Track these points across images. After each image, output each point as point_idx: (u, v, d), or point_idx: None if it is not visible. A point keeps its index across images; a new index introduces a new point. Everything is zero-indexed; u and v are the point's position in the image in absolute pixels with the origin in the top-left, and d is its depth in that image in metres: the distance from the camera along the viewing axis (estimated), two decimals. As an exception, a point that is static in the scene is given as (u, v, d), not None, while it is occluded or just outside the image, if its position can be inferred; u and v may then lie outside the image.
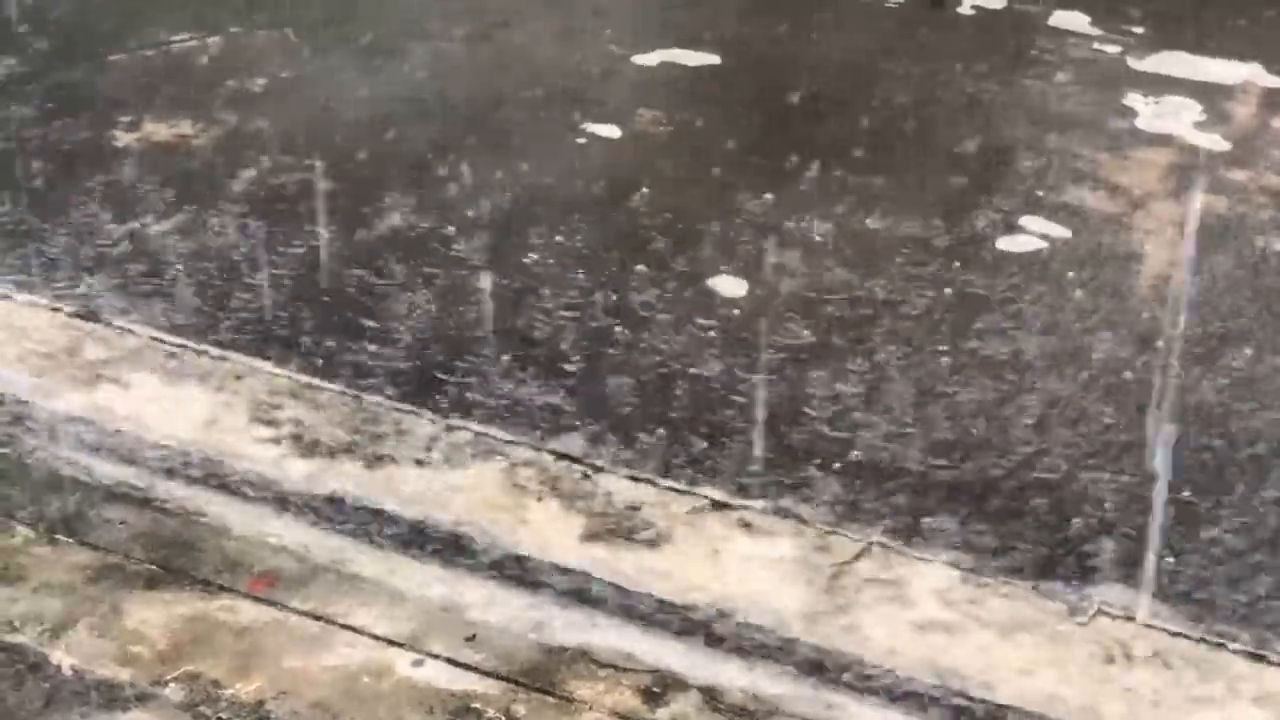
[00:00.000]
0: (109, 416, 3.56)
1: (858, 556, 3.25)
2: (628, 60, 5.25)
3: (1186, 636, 3.09)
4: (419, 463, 3.47)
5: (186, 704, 2.85)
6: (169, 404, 3.61)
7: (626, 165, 4.65)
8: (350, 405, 3.64)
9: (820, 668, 3.00)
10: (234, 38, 5.33)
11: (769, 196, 4.51)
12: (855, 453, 3.54)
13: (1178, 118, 5.00)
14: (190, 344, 3.81)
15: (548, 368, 3.78)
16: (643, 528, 3.31)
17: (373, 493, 3.38)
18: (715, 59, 5.28)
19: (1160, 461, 3.55)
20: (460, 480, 3.42)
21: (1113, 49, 5.41)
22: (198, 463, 3.44)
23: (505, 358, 3.81)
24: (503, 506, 3.35)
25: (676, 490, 3.41)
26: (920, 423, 3.64)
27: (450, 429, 3.57)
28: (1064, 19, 5.59)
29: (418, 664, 2.96)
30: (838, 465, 3.49)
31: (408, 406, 3.63)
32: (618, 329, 3.93)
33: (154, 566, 3.15)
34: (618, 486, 3.42)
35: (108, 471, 3.41)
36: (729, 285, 4.12)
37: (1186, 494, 3.45)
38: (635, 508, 3.36)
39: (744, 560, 3.24)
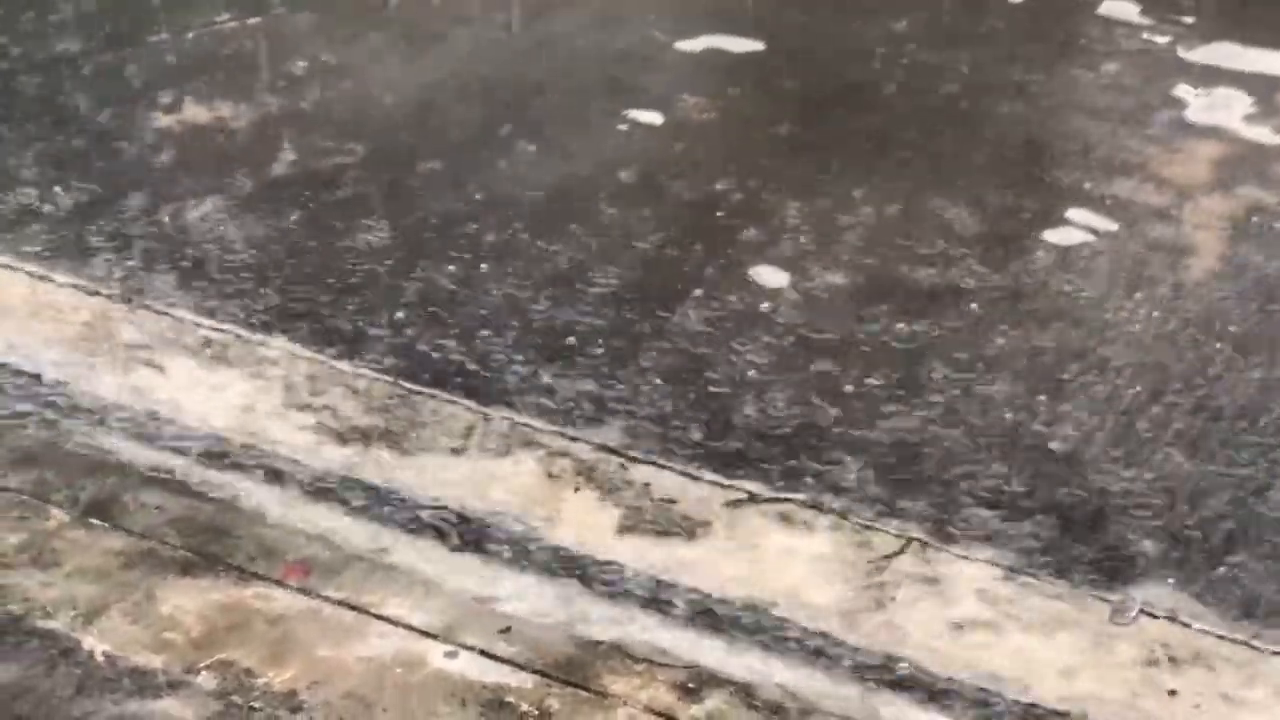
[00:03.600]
0: (145, 400, 3.55)
1: (897, 552, 3.21)
2: (671, 46, 5.21)
3: (1230, 639, 3.05)
4: (455, 451, 3.45)
5: (219, 692, 2.84)
6: (205, 388, 3.60)
7: (670, 152, 4.61)
8: (387, 391, 3.62)
9: (858, 665, 2.96)
10: (276, 19, 5.31)
11: (813, 185, 4.46)
12: (897, 447, 3.50)
13: (1228, 110, 4.93)
14: (227, 328, 3.80)
15: (587, 357, 3.75)
16: (680, 520, 3.28)
17: (408, 481, 3.36)
18: (759, 45, 5.24)
19: (1206, 460, 3.49)
20: (496, 470, 3.40)
21: (1162, 39, 5.34)
22: (233, 448, 3.43)
23: (544, 346, 3.78)
24: (539, 497, 3.33)
25: (715, 483, 3.38)
26: (963, 417, 3.59)
27: (487, 418, 3.54)
28: (1113, 8, 5.53)
29: (451, 656, 2.93)
30: (879, 460, 3.45)
31: (445, 394, 3.61)
32: (659, 318, 3.90)
33: (188, 553, 3.14)
34: (655, 478, 3.39)
35: (143, 456, 3.40)
36: (772, 275, 4.08)
37: (1233, 493, 3.40)
38: (672, 500, 3.33)
39: (782, 554, 3.21)
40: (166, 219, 4.22)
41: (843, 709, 2.88)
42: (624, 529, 3.25)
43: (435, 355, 3.74)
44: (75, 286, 3.93)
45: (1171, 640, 3.05)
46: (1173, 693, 2.94)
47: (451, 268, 4.06)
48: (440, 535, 3.22)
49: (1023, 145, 4.71)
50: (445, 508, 3.29)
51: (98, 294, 3.90)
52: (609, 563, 3.17)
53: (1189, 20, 5.44)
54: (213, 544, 3.17)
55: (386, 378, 3.66)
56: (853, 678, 2.94)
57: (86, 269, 3.99)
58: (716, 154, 4.60)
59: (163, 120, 4.69)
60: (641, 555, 3.19)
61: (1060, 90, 5.02)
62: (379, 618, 3.01)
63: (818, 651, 2.99)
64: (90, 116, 4.70)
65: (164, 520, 3.22)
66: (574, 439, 3.49)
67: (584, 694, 2.86)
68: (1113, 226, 4.33)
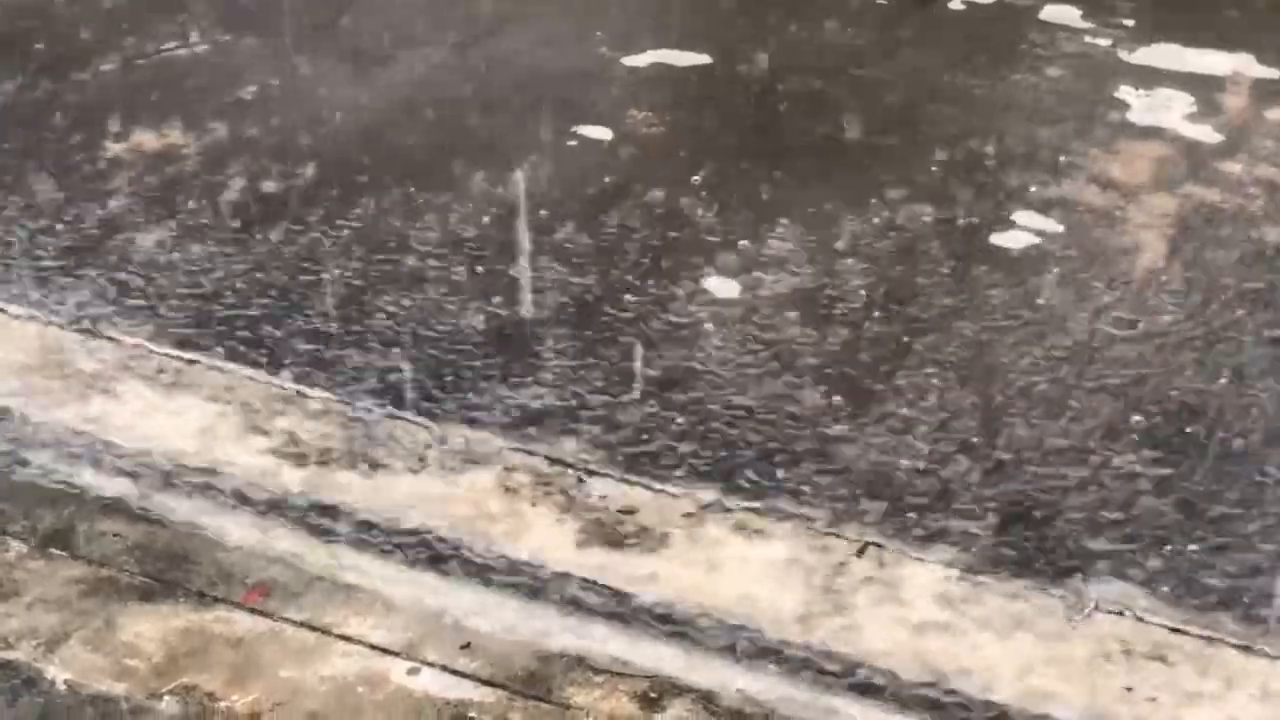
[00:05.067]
0: (102, 428, 3.56)
1: (854, 557, 3.24)
2: (618, 62, 5.24)
3: (1184, 632, 3.09)
4: (413, 470, 3.46)
5: (182, 717, 2.84)
6: (162, 415, 3.61)
7: (619, 166, 4.64)
8: (344, 413, 3.63)
9: (817, 670, 2.99)
10: (223, 46, 5.32)
11: (762, 195, 4.50)
12: (851, 454, 3.53)
13: (1169, 110, 4.99)
14: (183, 354, 3.80)
15: (541, 371, 3.77)
16: (638, 531, 3.30)
17: (367, 501, 3.37)
18: (705, 59, 5.28)
19: (1155, 456, 3.54)
20: (454, 486, 3.42)
21: (1103, 42, 5.40)
22: (191, 473, 3.43)
23: (498, 362, 3.80)
24: (497, 512, 3.35)
25: (671, 493, 3.40)
26: (916, 421, 3.63)
27: (444, 436, 3.56)
28: (1054, 12, 5.59)
29: (413, 673, 2.95)
30: (833, 465, 3.48)
31: (401, 414, 3.63)
32: (613, 331, 3.92)
33: (148, 579, 3.14)
34: (612, 490, 3.41)
35: (101, 484, 3.40)
36: (725, 285, 4.11)
37: (1182, 488, 3.44)
38: (630, 511, 3.35)
39: (740, 562, 3.24)
40: (119, 246, 4.22)
41: (803, 714, 2.90)
42: (582, 541, 3.27)
43: (391, 375, 3.75)
44: (29, 316, 3.93)
45: (1126, 635, 3.08)
46: (1129, 688, 2.97)
47: (406, 288, 4.08)
48: (400, 553, 3.23)
49: (969, 150, 4.76)
50: (404, 526, 3.30)
51: (51, 323, 3.90)
52: (568, 575, 3.19)
53: (1129, 23, 5.50)
54: (172, 570, 3.17)
55: (344, 399, 3.67)
56: (812, 682, 2.97)
57: (39, 298, 3.99)
58: (665, 167, 4.63)
59: (112, 148, 4.69)
60: (601, 567, 3.21)
61: (1005, 95, 5.07)
62: (341, 637, 3.02)
63: (777, 657, 3.01)
64: (39, 145, 4.70)
65: (123, 548, 3.23)
66: (531, 453, 3.51)
67: (546, 706, 2.88)
68: (1059, 228, 4.37)
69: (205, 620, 3.05)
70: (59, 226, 4.30)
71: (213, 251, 4.21)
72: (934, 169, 4.66)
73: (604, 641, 3.03)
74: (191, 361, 3.78)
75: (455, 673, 2.95)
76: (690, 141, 4.80)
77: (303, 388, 3.70)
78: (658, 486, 3.42)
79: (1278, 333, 3.96)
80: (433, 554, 3.24)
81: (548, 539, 3.28)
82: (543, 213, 4.40)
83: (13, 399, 3.64)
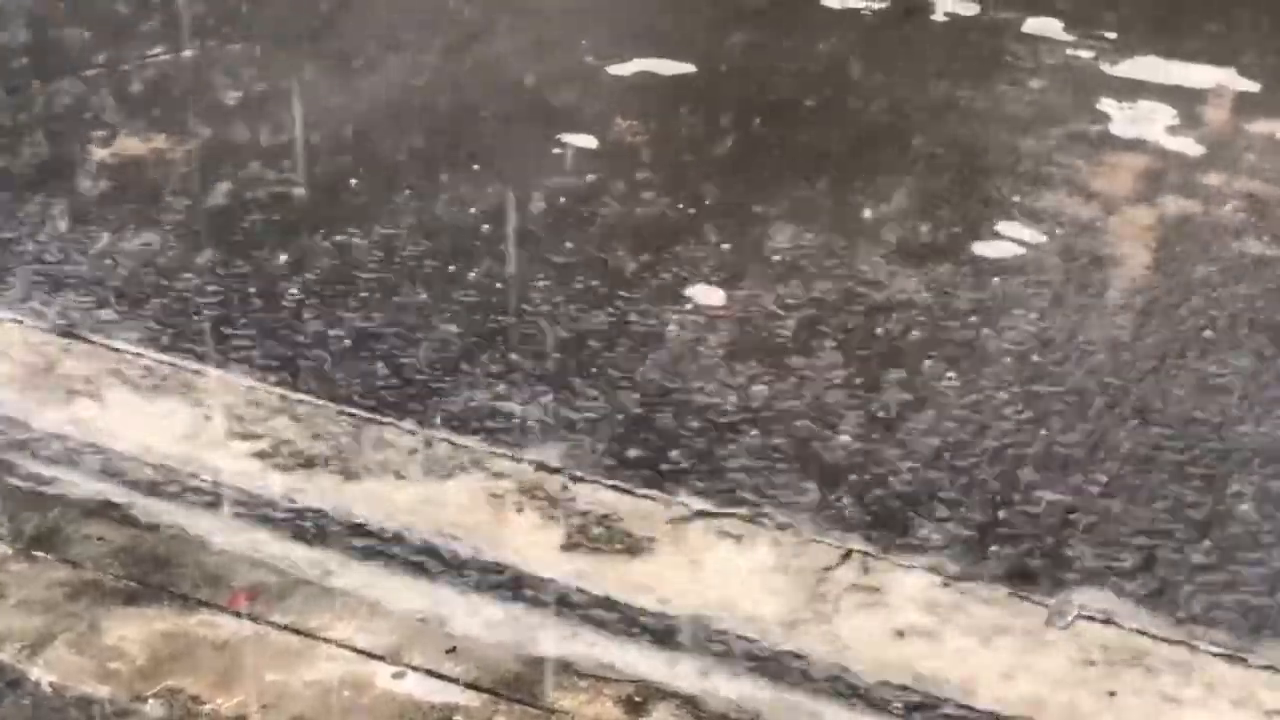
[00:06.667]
0: (87, 431, 3.55)
1: (837, 564, 3.25)
2: (603, 70, 5.26)
3: (1166, 640, 3.10)
4: (399, 475, 3.47)
5: (167, 720, 2.85)
6: (147, 418, 3.60)
7: (604, 174, 4.65)
8: (329, 417, 3.63)
9: (802, 675, 3.00)
10: (209, 51, 5.32)
11: (746, 203, 4.51)
12: (835, 461, 3.54)
13: (1151, 122, 5.02)
14: (168, 358, 3.80)
15: (526, 379, 3.78)
16: (623, 537, 3.31)
17: (353, 505, 3.37)
18: (691, 68, 5.29)
19: (1138, 465, 3.55)
20: (440, 492, 3.42)
21: (1086, 54, 5.43)
22: (176, 477, 3.43)
23: (483, 369, 3.81)
24: (483, 518, 3.35)
25: (657, 499, 3.41)
26: (899, 430, 3.64)
27: (430, 441, 3.56)
28: (1037, 25, 5.62)
29: (398, 676, 2.95)
30: (817, 474, 3.49)
31: (387, 419, 3.63)
32: (597, 338, 3.93)
33: (133, 582, 3.14)
34: (597, 496, 3.42)
35: (86, 487, 3.40)
36: (709, 294, 4.12)
37: (1163, 499, 3.46)
38: (615, 517, 3.36)
39: (725, 568, 3.24)
40: (104, 250, 4.22)
41: (787, 718, 2.91)
42: (568, 547, 3.28)
43: (376, 381, 3.76)
44: (12, 320, 3.93)
45: (1109, 642, 3.10)
46: (1112, 694, 2.99)
47: (390, 294, 4.08)
48: (385, 557, 3.24)
49: (952, 161, 4.78)
50: (390, 530, 3.30)
51: (35, 327, 3.90)
52: (554, 580, 3.19)
53: (1111, 36, 5.54)
54: (157, 573, 3.17)
55: (329, 404, 3.67)
56: (797, 687, 2.97)
57: (23, 302, 3.99)
58: (649, 175, 4.65)
59: (98, 153, 4.69)
60: (586, 572, 3.22)
61: (988, 106, 5.10)
62: (326, 641, 3.02)
63: (762, 662, 3.02)
64: (24, 150, 4.70)
65: (107, 551, 3.22)
66: (516, 460, 3.51)
67: (532, 711, 2.88)
68: (1042, 238, 4.40)
69: (190, 623, 3.05)
70: (44, 230, 4.30)
71: (197, 256, 4.21)
72: (919, 178, 4.68)
73: (589, 646, 3.04)
74: (177, 366, 3.78)
75: (440, 677, 2.95)
76: (674, 150, 4.82)
77: (288, 392, 3.70)
78: (643, 492, 3.43)
79: (1258, 343, 3.99)
80: (418, 558, 3.24)
81: (533, 544, 3.28)
82: (527, 220, 4.41)
83: (-3, 402, 3.64)
